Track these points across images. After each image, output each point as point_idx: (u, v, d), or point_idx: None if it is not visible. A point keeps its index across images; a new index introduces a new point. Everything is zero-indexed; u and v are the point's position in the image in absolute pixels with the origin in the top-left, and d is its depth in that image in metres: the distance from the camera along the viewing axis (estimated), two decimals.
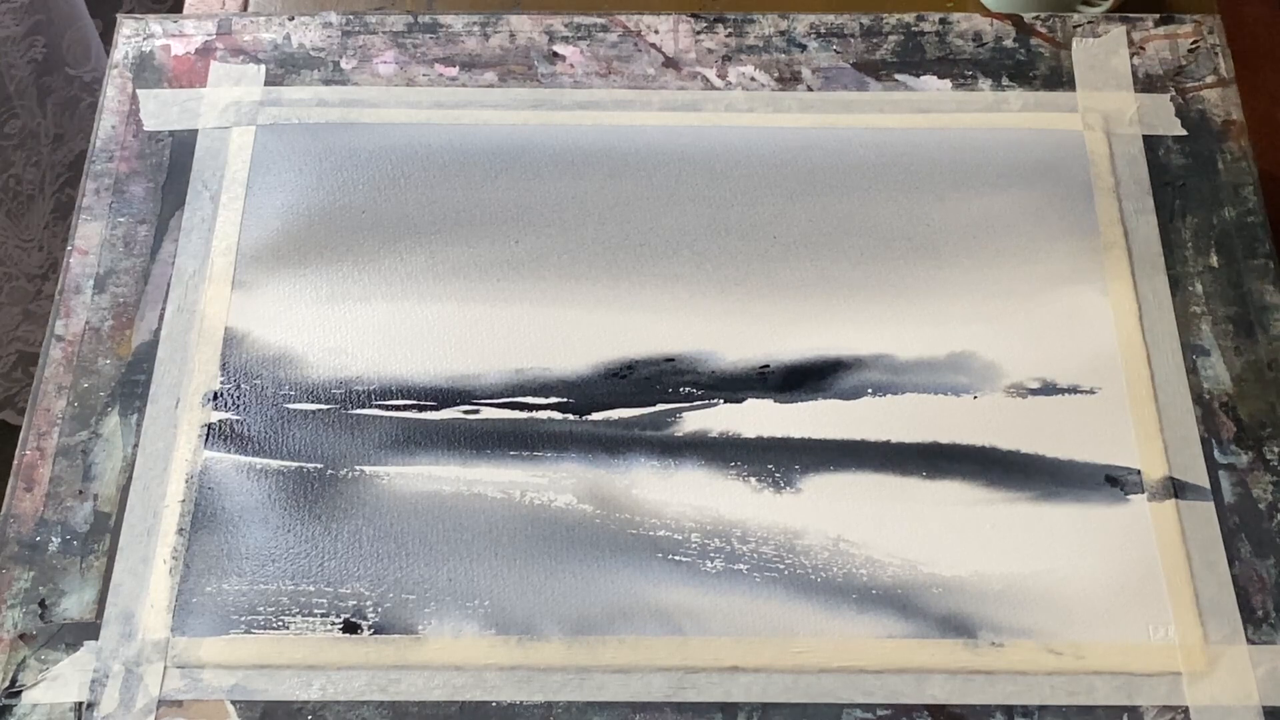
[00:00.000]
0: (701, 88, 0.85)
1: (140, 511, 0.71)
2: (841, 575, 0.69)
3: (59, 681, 0.67)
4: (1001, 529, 0.71)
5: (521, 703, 0.66)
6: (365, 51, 0.86)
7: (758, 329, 0.76)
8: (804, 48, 0.87)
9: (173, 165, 0.82)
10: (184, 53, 0.86)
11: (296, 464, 0.72)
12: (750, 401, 0.74)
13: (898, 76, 0.86)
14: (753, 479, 0.72)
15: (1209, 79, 0.86)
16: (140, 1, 1.41)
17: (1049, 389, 0.75)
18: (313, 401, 0.74)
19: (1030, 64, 0.86)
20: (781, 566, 0.69)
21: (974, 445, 0.73)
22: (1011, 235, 0.80)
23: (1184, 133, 0.84)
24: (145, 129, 0.83)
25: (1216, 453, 0.73)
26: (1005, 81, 0.85)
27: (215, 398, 0.74)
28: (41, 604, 0.69)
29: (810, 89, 0.85)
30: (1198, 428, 0.74)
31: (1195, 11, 0.89)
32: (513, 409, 0.74)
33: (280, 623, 0.68)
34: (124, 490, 0.71)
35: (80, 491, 0.72)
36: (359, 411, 0.74)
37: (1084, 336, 0.76)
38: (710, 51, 0.86)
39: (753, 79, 0.85)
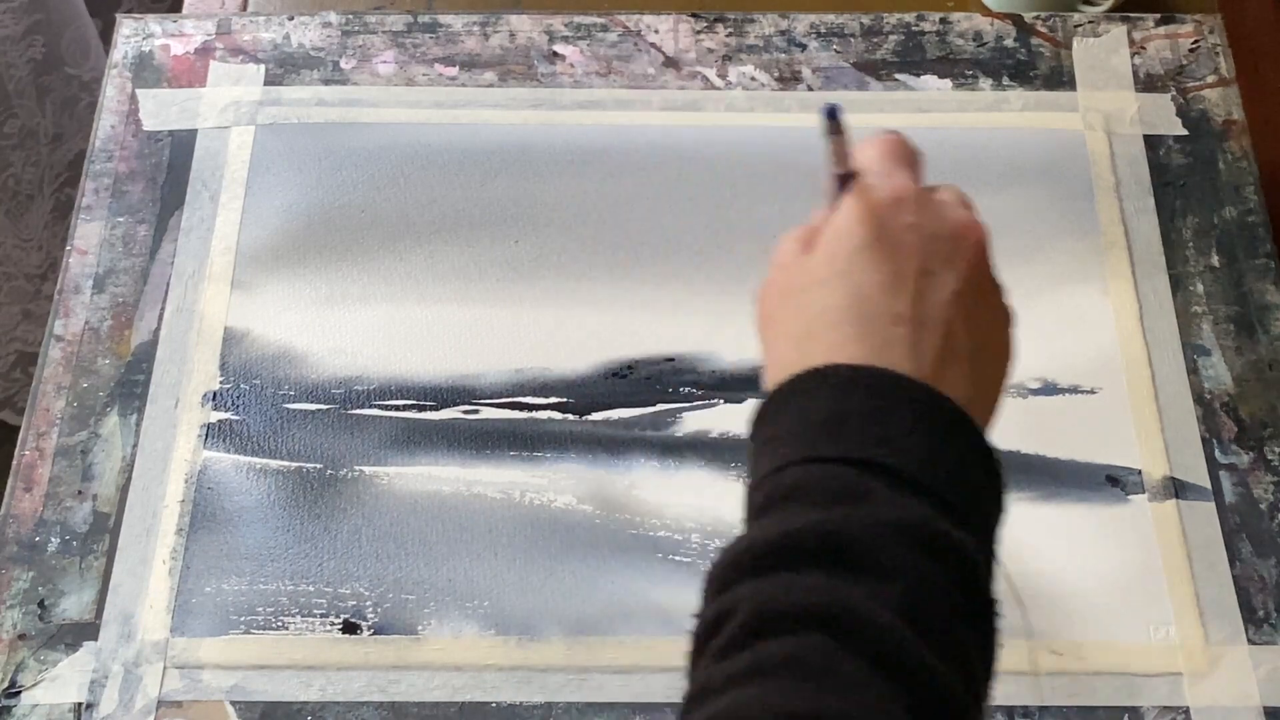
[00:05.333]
0: (701, 87, 0.85)
1: (139, 511, 0.71)
2: None
3: (58, 682, 0.66)
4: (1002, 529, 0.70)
5: (521, 703, 0.66)
6: (365, 51, 0.86)
7: None
8: (804, 47, 0.87)
9: (172, 165, 0.82)
10: (183, 52, 0.86)
11: (296, 464, 0.72)
12: (751, 401, 0.74)
13: (898, 76, 0.85)
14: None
15: (1210, 78, 0.86)
16: (140, 1, 1.41)
17: (1049, 389, 0.75)
18: (312, 401, 0.74)
19: (1031, 64, 0.86)
20: None
21: None
22: (1012, 235, 0.80)
23: (1185, 132, 0.84)
24: (144, 129, 0.83)
25: (1217, 453, 0.73)
26: (1006, 81, 0.85)
27: (214, 398, 0.74)
28: (41, 604, 0.68)
29: (810, 89, 0.85)
30: (1198, 427, 0.73)
31: (1196, 11, 0.89)
32: (513, 409, 0.74)
33: (280, 623, 0.68)
34: (123, 490, 0.71)
35: (79, 492, 0.71)
36: (359, 411, 0.74)
37: (1085, 336, 0.76)
38: (710, 51, 0.86)
39: (753, 79, 0.85)
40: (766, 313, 0.51)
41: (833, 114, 0.52)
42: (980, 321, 0.49)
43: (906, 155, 0.53)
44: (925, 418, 0.44)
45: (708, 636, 0.42)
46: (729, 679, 0.39)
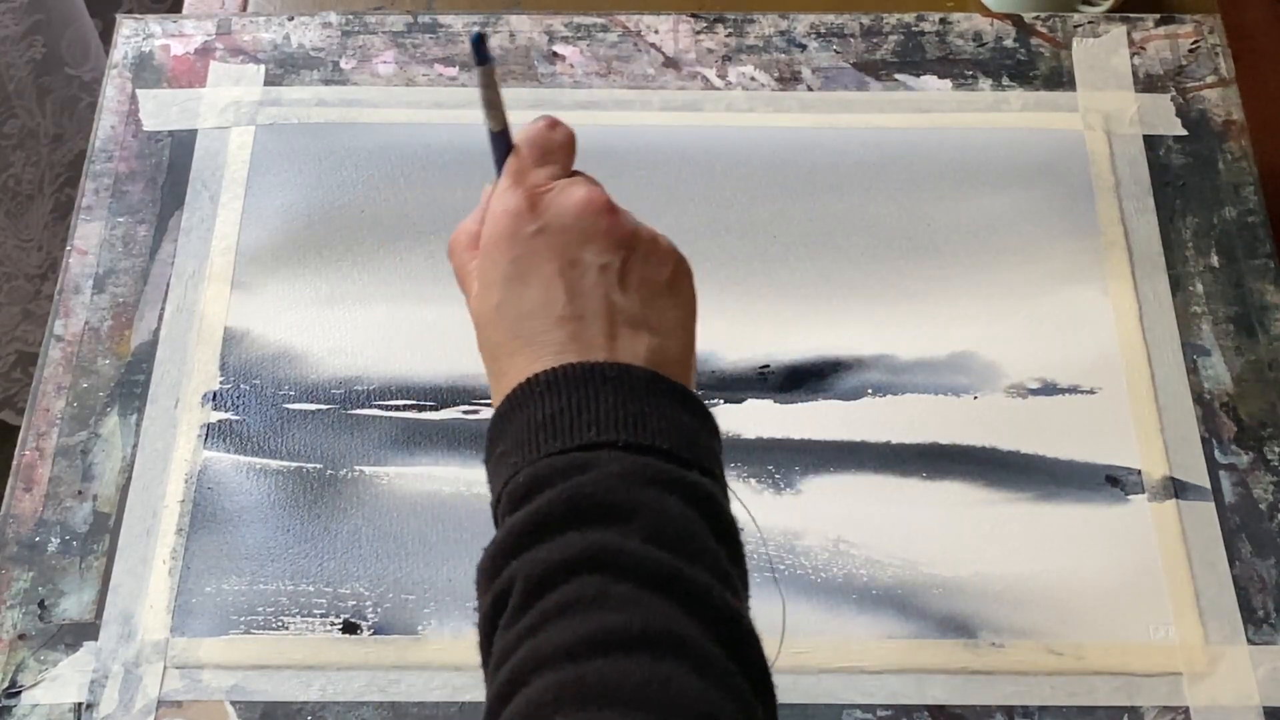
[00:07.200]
0: (701, 88, 0.85)
1: (140, 512, 0.71)
2: (841, 575, 0.69)
3: (58, 682, 0.66)
4: (1001, 529, 0.71)
5: None
6: (365, 51, 0.86)
7: (758, 329, 0.76)
8: (804, 48, 0.87)
9: (172, 165, 0.82)
10: (183, 53, 0.86)
11: (296, 464, 0.72)
12: (750, 402, 0.74)
13: (898, 76, 0.85)
14: (753, 480, 0.72)
15: (1209, 79, 0.86)
16: (140, 1, 1.41)
17: (1049, 389, 0.75)
18: (312, 401, 0.74)
19: (1030, 64, 0.86)
20: (781, 567, 0.69)
21: (974, 446, 0.73)
22: (1011, 235, 0.80)
23: (1184, 133, 0.84)
24: (145, 129, 0.83)
25: (1217, 453, 0.73)
26: (1005, 81, 0.85)
27: (214, 398, 0.74)
28: (41, 604, 0.68)
29: (810, 89, 0.85)
30: (1198, 428, 0.73)
31: (1195, 11, 0.89)
32: None
33: (280, 623, 0.68)
34: (123, 490, 0.71)
35: (79, 492, 0.71)
36: (359, 411, 0.74)
37: (1084, 336, 0.76)
38: (710, 51, 0.86)
39: (753, 79, 0.85)
40: (479, 341, 0.55)
41: (479, 41, 0.53)
42: (638, 279, 0.53)
43: (548, 144, 0.56)
44: (620, 391, 0.49)
45: (495, 617, 0.47)
46: (519, 637, 0.45)
